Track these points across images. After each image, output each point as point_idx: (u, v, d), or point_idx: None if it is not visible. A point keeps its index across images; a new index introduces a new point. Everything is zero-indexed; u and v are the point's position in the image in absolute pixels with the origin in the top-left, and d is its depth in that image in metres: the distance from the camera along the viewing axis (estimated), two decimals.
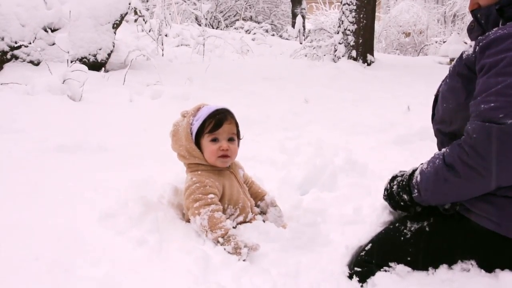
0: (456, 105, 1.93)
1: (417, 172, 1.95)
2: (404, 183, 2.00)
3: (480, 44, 1.80)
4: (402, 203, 2.02)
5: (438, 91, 2.11)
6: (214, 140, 2.39)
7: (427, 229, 1.92)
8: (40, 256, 1.94)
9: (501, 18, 1.87)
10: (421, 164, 1.97)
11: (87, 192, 2.71)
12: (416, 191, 1.93)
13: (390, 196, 2.07)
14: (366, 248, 2.01)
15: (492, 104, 1.67)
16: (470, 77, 1.86)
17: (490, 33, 1.80)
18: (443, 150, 1.86)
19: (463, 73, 1.90)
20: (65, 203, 2.53)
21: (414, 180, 1.94)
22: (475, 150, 1.69)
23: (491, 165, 1.68)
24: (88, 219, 2.28)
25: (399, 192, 2.01)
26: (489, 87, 1.71)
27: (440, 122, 2.05)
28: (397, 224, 2.01)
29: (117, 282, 1.83)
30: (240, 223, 2.41)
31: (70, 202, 2.54)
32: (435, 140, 2.14)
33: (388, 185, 2.10)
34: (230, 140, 2.42)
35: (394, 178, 2.10)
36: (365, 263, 1.98)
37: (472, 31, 2.01)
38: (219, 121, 2.39)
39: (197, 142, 2.41)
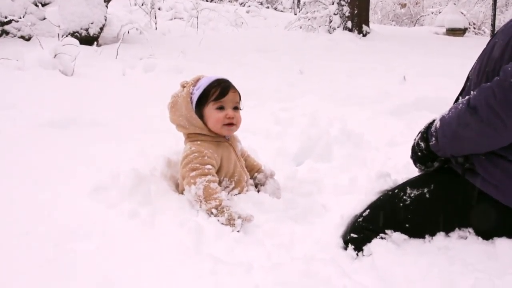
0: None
1: (437, 118, 1.86)
2: (423, 130, 1.95)
3: None
4: (419, 154, 1.95)
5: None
6: (220, 108, 2.36)
7: (427, 196, 1.88)
8: (31, 230, 1.91)
9: None
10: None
11: (79, 166, 2.67)
12: (434, 138, 1.85)
13: (412, 149, 2.01)
14: (364, 214, 1.97)
15: None
16: None
17: None
18: (471, 93, 1.73)
19: None
20: (57, 177, 2.49)
21: (432, 128, 1.87)
22: (506, 95, 1.56)
23: None
24: (79, 193, 2.25)
25: (418, 142, 1.95)
26: None
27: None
28: (396, 191, 1.96)
29: (108, 255, 1.81)
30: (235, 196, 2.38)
31: (62, 177, 2.50)
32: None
33: (414, 140, 2.04)
34: (235, 108, 2.40)
35: (420, 132, 2.02)
36: (362, 229, 1.93)
37: None
38: (224, 89, 2.36)
39: (197, 112, 2.38)
